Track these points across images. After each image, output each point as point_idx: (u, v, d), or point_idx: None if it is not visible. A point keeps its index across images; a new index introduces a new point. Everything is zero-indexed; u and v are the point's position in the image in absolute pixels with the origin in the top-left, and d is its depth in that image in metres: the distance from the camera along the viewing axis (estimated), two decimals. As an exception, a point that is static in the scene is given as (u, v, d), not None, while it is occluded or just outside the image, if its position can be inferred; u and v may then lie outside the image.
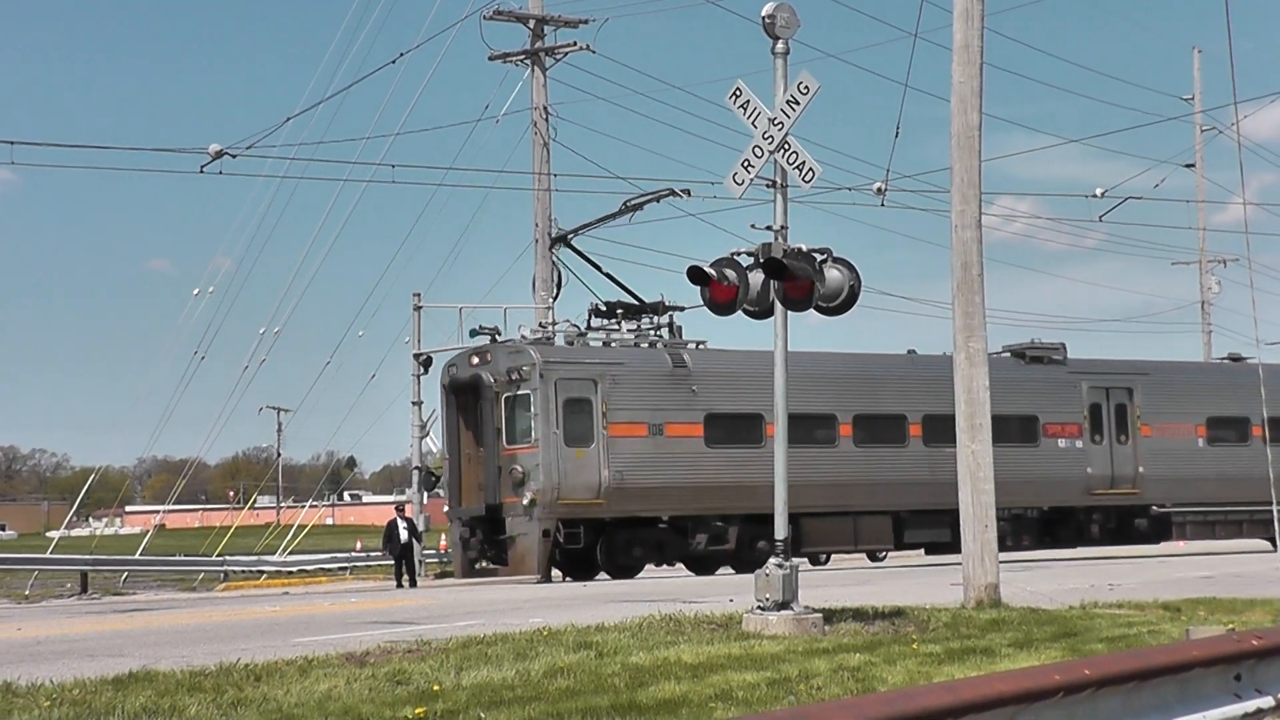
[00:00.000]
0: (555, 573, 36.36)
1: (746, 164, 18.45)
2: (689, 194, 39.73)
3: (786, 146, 18.23)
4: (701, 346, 37.45)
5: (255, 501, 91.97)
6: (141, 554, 53.98)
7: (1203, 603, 21.75)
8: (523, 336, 35.84)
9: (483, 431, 35.47)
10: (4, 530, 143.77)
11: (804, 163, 18.23)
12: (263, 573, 51.45)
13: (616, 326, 37.25)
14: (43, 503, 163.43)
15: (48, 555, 51.87)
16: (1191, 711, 8.99)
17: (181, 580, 52.20)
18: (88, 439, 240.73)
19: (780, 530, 18.34)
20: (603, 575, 35.18)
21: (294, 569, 52.26)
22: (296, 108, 74.00)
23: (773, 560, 18.00)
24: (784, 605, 17.71)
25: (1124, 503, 41.42)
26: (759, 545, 36.19)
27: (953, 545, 39.22)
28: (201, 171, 38.24)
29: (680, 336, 37.64)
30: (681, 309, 38.14)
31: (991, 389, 40.18)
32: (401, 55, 43.07)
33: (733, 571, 35.93)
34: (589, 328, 37.18)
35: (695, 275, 18.34)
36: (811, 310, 18.62)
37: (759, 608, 17.80)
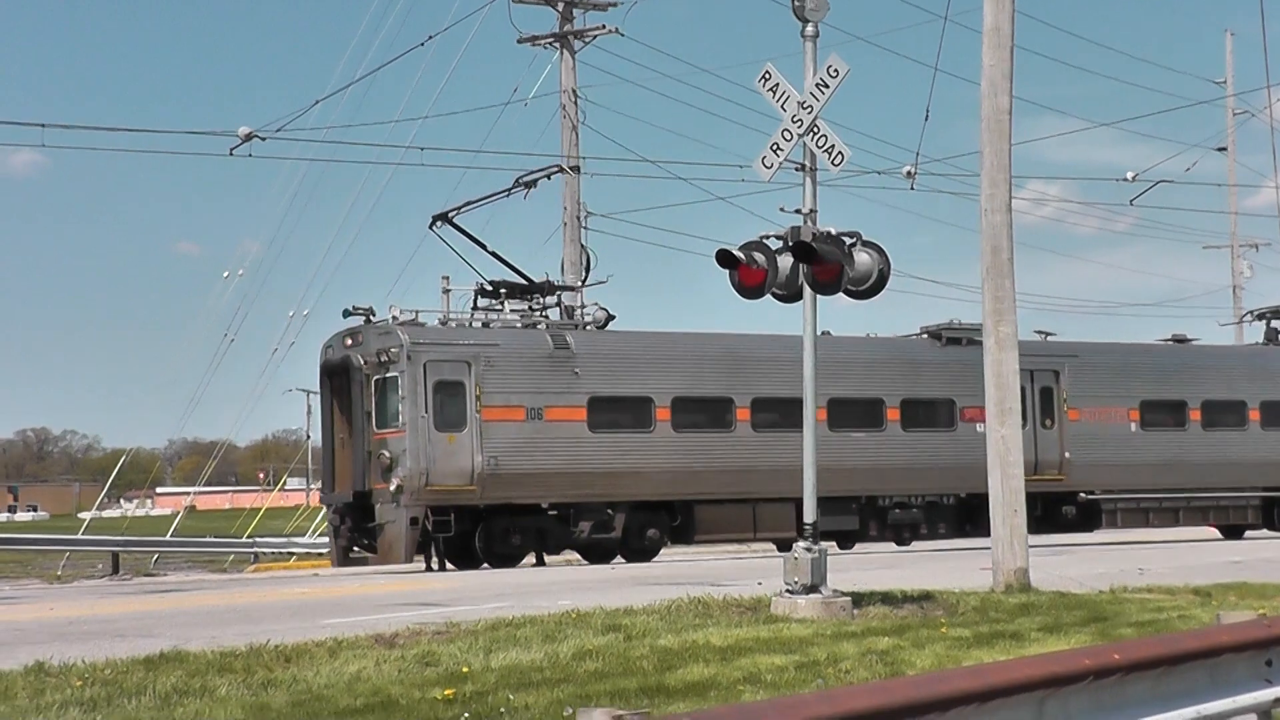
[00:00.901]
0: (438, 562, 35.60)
1: (775, 147, 18.44)
2: (579, 170, 38.32)
3: (816, 130, 18.21)
4: (587, 327, 36.05)
5: (285, 483, 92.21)
6: (172, 535, 54.23)
7: (1233, 587, 21.70)
8: (394, 317, 34.26)
9: (354, 415, 34.22)
10: (36, 511, 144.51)
11: (833, 146, 18.20)
12: (293, 554, 51.59)
13: (500, 306, 35.68)
14: (74, 484, 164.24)
15: (79, 536, 52.12)
16: (1221, 697, 8.97)
17: (212, 561, 52.42)
18: (118, 421, 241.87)
19: (809, 514, 18.36)
20: (485, 565, 33.84)
21: (324, 550, 52.34)
22: (325, 91, 74.20)
23: (801, 543, 18.02)
24: (812, 589, 17.72)
25: (1049, 489, 39.24)
26: (649, 533, 35.29)
27: (860, 534, 37.91)
28: (231, 154, 38.45)
29: (572, 317, 36.24)
30: (571, 289, 36.93)
31: (905, 371, 38.56)
32: (430, 38, 43.16)
33: (624, 561, 34.59)
34: (475, 308, 35.57)
35: (724, 259, 18.32)
36: (841, 294, 18.61)
37: (787, 591, 17.81)
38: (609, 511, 34.75)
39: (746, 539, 38.04)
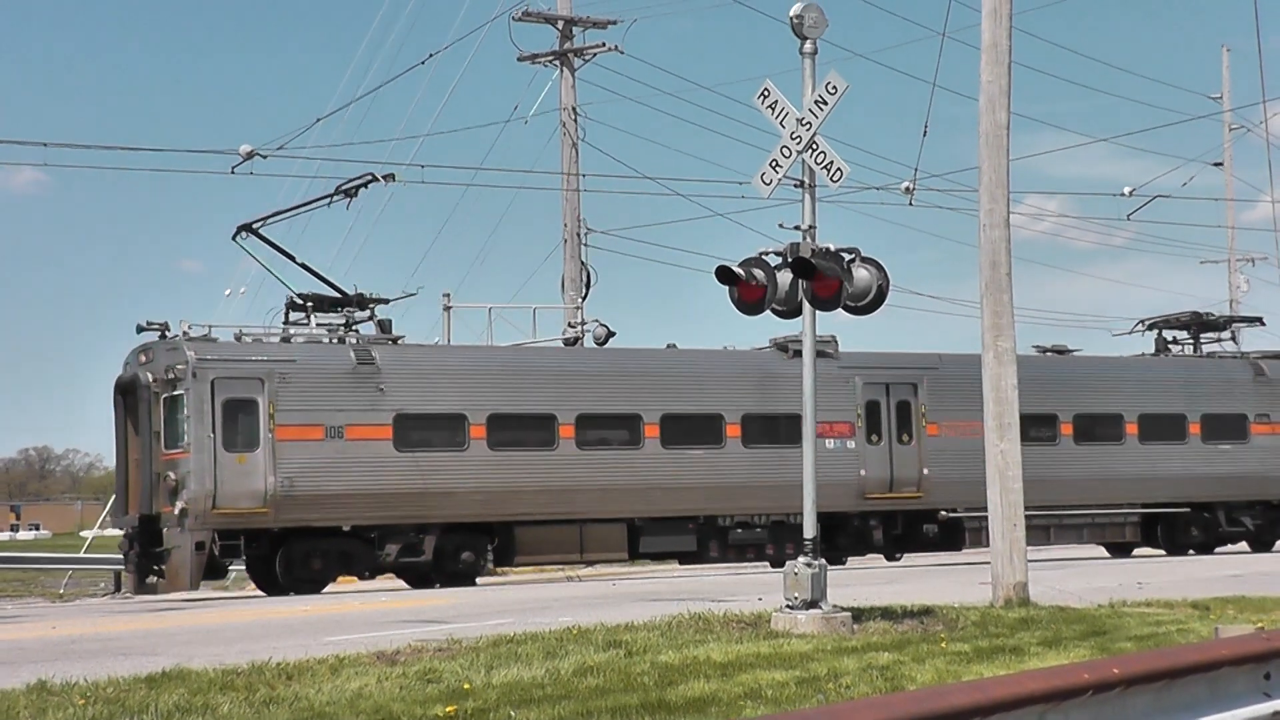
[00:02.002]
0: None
1: (775, 164, 18.47)
2: (393, 178, 36.37)
3: (815, 146, 18.24)
4: (400, 342, 34.12)
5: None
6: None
7: (1231, 601, 21.70)
8: (184, 332, 32.51)
9: (145, 435, 32.41)
10: (38, 530, 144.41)
11: (832, 162, 18.23)
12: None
13: (306, 321, 33.85)
14: (76, 502, 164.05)
15: (81, 555, 52.06)
16: (1221, 710, 8.97)
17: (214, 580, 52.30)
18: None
19: (809, 530, 18.38)
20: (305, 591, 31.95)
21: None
22: (327, 109, 74.22)
23: (801, 559, 18.04)
24: (813, 604, 17.72)
25: (907, 507, 37.42)
26: (464, 556, 33.40)
27: (699, 555, 35.91)
28: (232, 172, 38.45)
29: (389, 331, 34.28)
30: (386, 301, 34.68)
31: (750, 386, 36.38)
32: (431, 56, 43.29)
33: (439, 585, 32.90)
34: (286, 322, 33.83)
35: (724, 275, 18.35)
36: (840, 310, 18.66)
37: (788, 606, 17.81)
38: (417, 533, 33.02)
39: (573, 561, 36.78)
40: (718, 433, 35.87)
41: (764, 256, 18.45)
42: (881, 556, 39.17)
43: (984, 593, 21.49)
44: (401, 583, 34.74)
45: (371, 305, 34.38)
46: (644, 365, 36.06)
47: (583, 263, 43.45)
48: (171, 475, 31.53)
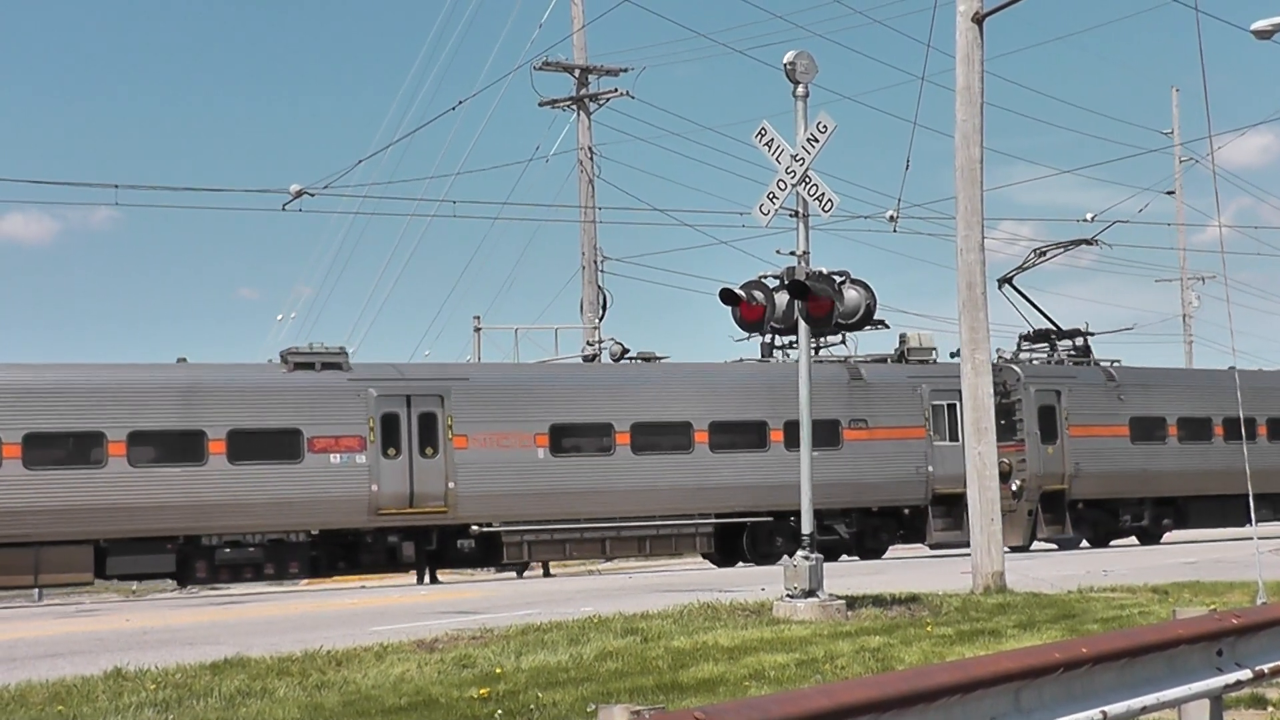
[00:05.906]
0: None
1: (771, 196, 18.50)
2: None
3: (807, 180, 18.26)
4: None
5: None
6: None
7: (1188, 586, 21.67)
8: None
9: None
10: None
11: (823, 194, 18.26)
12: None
13: None
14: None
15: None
16: (1178, 684, 8.96)
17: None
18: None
19: (806, 526, 18.34)
20: None
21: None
22: (367, 151, 74.33)
23: (800, 552, 18.03)
24: (810, 593, 17.72)
25: (430, 522, 32.47)
26: None
27: (184, 576, 32.00)
28: (284, 209, 38.41)
29: None
30: None
31: (237, 400, 31.81)
32: (461, 103, 43.11)
33: None
34: None
35: (727, 297, 18.39)
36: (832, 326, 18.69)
37: (788, 595, 17.81)
38: None
39: (27, 585, 32.44)
40: (199, 450, 31.01)
41: (763, 279, 18.49)
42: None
43: (965, 581, 21.47)
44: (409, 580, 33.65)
45: None
46: (106, 380, 31.06)
47: (599, 287, 43.49)
48: None
